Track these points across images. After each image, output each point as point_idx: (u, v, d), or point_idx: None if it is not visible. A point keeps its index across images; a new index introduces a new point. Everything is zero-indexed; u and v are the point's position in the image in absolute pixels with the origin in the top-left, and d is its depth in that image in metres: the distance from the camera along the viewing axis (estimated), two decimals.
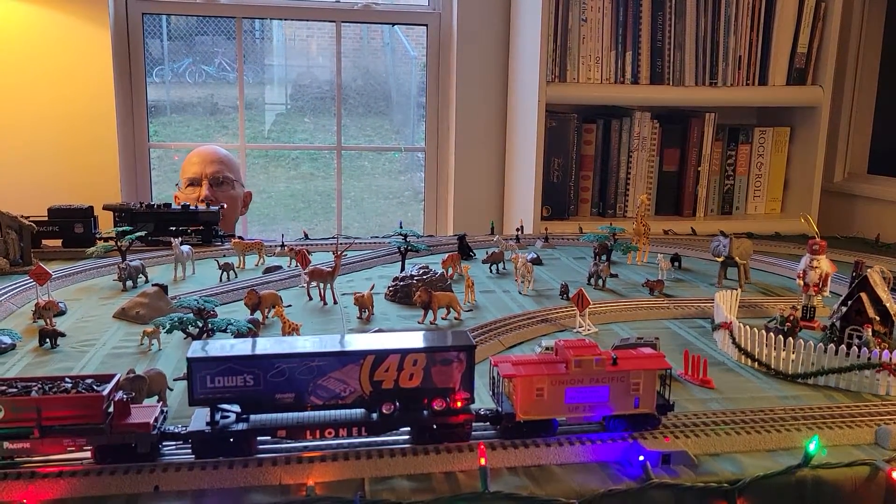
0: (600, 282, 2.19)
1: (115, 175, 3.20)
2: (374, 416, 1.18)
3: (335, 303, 2.00)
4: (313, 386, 1.15)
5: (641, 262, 2.49)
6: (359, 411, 1.19)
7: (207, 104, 6.56)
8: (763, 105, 3.28)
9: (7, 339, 1.58)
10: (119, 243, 2.23)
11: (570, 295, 1.94)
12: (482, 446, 1.13)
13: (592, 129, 3.14)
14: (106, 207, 2.57)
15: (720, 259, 2.22)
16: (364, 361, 1.16)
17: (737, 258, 2.19)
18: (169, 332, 1.46)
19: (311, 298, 2.03)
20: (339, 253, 2.04)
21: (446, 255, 2.28)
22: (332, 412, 1.18)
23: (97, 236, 2.42)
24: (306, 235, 2.77)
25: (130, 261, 2.17)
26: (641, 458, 1.16)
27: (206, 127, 6.50)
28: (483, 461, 1.11)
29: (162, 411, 1.17)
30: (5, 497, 1.03)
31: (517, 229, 2.81)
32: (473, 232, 2.86)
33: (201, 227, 2.56)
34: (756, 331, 1.60)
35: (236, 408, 1.16)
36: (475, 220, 3.42)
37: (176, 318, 1.46)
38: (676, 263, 2.41)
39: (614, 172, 3.16)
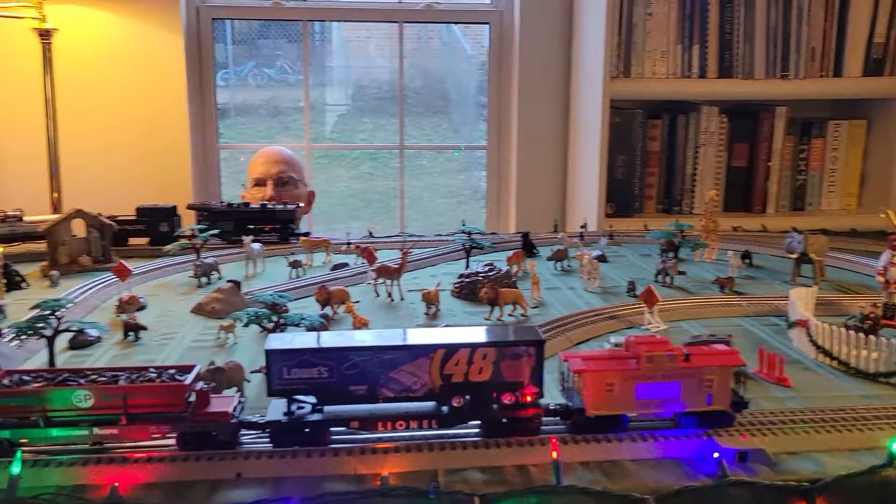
0: (668, 279, 2.16)
1: (187, 176, 3.31)
2: (445, 409, 1.19)
3: (402, 299, 2.02)
4: (385, 378, 1.17)
5: (710, 260, 2.44)
6: (429, 404, 1.20)
7: (270, 106, 6.70)
8: (838, 97, 3.18)
9: (94, 332, 1.65)
10: (194, 241, 2.30)
11: (638, 292, 1.92)
12: (554, 440, 1.14)
13: (658, 125, 3.09)
14: (189, 207, 2.67)
15: (794, 256, 2.16)
16: (434, 355, 1.18)
17: (812, 255, 2.13)
18: (246, 325, 1.50)
19: (378, 295, 2.06)
20: (405, 250, 2.06)
21: (511, 252, 2.28)
22: (404, 404, 1.20)
23: (178, 234, 2.51)
24: (371, 233, 2.80)
25: (205, 258, 2.24)
26: (716, 455, 1.14)
27: (269, 128, 6.64)
28: (555, 455, 1.11)
29: (240, 401, 1.21)
30: (98, 480, 1.08)
31: (581, 227, 2.79)
32: (535, 229, 2.85)
33: (278, 226, 2.62)
34: (835, 329, 1.56)
35: (312, 399, 1.19)
36: (537, 217, 3.41)
37: (252, 313, 1.50)
38: (747, 260, 2.36)
39: (680, 168, 3.11)
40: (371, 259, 2.15)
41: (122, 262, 2.01)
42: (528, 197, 3.49)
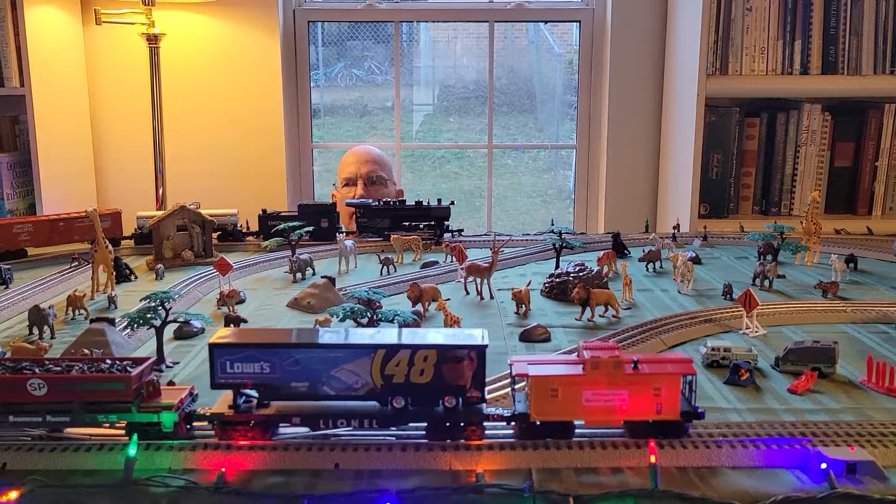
0: (767, 282, 2.09)
1: (282, 173, 3.42)
2: (387, 409, 1.19)
3: (491, 297, 2.03)
4: (327, 377, 1.18)
5: (812, 263, 2.34)
6: (372, 403, 1.20)
7: (358, 106, 6.82)
8: None
9: (198, 324, 1.73)
10: (290, 238, 2.37)
11: (736, 295, 1.86)
12: (652, 443, 1.12)
13: (755, 123, 2.99)
14: (348, 204, 2.76)
15: None
16: (375, 355, 1.17)
17: None
18: (342, 321, 1.54)
19: (467, 293, 2.08)
20: (496, 249, 2.07)
21: (601, 252, 2.26)
22: (347, 403, 1.19)
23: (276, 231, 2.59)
24: (460, 232, 2.82)
25: (300, 254, 2.30)
26: (824, 465, 1.10)
27: (357, 128, 6.75)
28: (654, 459, 1.09)
29: (191, 393, 1.23)
30: (206, 465, 1.13)
31: (674, 227, 2.72)
32: (625, 230, 2.81)
33: (433, 223, 2.66)
34: None
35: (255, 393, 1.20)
36: (627, 217, 3.35)
37: (348, 308, 1.53)
38: (852, 265, 2.25)
39: (779, 168, 3.00)
40: (461, 257, 2.17)
41: (224, 256, 2.09)
42: (617, 197, 3.44)
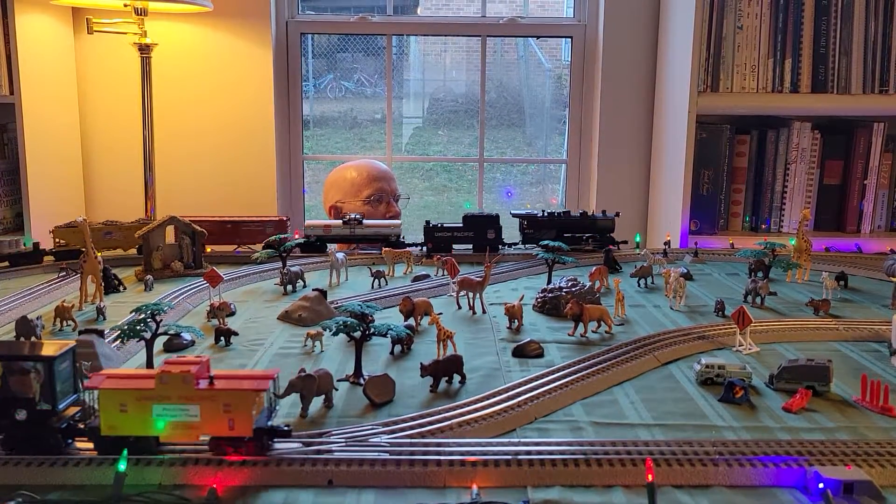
0: (759, 299, 2.09)
1: (273, 184, 3.40)
2: None
3: (484, 312, 2.02)
4: None
5: (802, 281, 2.35)
6: None
7: (347, 118, 6.82)
8: None
9: (188, 336, 1.71)
10: (280, 250, 2.35)
11: (728, 312, 1.86)
12: (649, 462, 1.11)
13: (746, 141, 3.01)
14: (514, 215, 2.73)
15: (895, 279, 2.07)
16: None
17: None
18: (335, 334, 1.52)
19: (459, 307, 2.07)
20: (489, 263, 2.06)
21: (593, 267, 2.26)
22: None
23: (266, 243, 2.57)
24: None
25: (290, 266, 2.29)
26: (821, 485, 1.09)
27: (346, 140, 6.75)
28: (650, 477, 1.08)
29: None
30: (197, 481, 1.11)
31: (665, 243, 2.73)
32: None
33: (597, 235, 2.63)
34: None
35: None
36: (617, 233, 3.35)
37: (341, 322, 1.52)
38: (842, 282, 2.26)
39: (769, 185, 3.02)
40: (453, 271, 2.16)
41: (214, 268, 2.07)
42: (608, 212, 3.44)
